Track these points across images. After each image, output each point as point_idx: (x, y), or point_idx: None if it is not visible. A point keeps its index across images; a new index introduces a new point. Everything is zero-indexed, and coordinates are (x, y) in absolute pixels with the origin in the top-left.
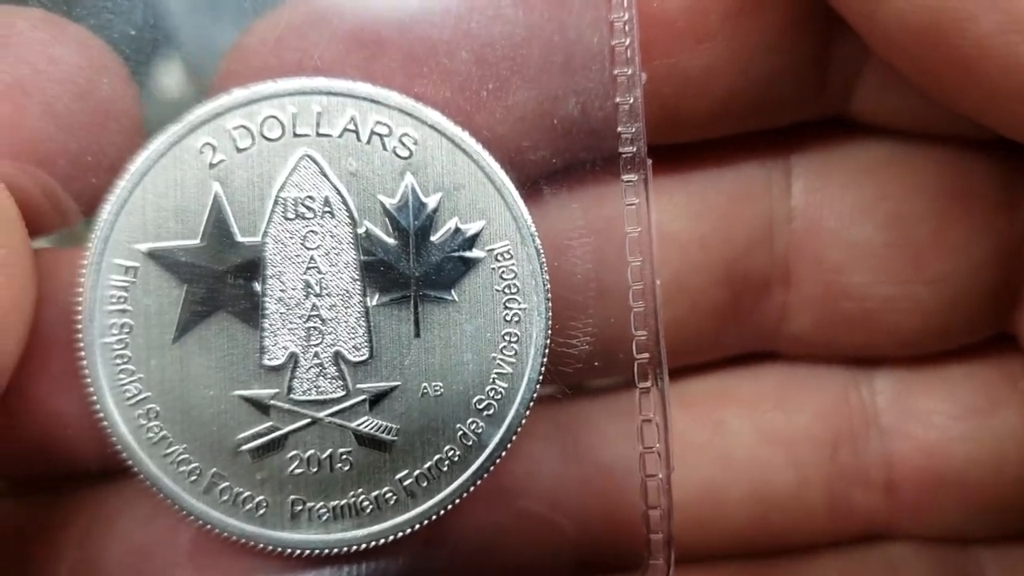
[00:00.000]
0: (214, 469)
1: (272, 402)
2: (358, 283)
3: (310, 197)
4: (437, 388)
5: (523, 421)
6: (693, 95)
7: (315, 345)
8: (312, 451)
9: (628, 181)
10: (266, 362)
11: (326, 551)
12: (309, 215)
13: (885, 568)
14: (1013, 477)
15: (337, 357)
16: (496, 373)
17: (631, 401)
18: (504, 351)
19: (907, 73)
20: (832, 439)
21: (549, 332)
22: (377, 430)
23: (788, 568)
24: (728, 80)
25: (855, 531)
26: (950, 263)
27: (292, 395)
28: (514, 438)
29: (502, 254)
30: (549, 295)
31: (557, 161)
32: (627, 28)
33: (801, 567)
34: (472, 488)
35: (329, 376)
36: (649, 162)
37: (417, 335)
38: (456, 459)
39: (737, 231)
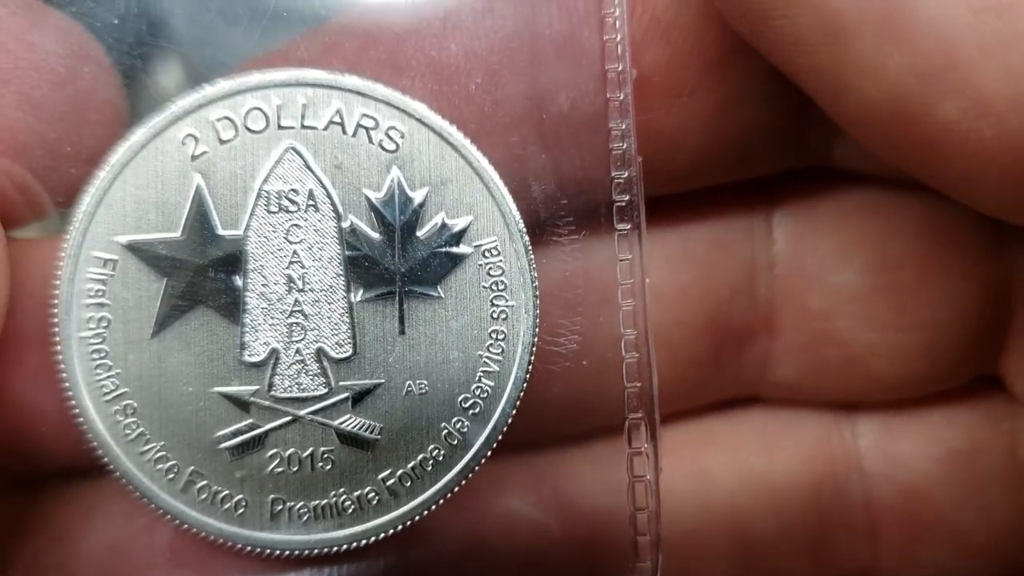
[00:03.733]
0: (192, 467)
1: (252, 399)
2: (342, 278)
3: (294, 190)
4: (422, 386)
5: (509, 420)
6: (670, 150)
7: (297, 341)
8: (293, 449)
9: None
10: (246, 358)
11: (306, 552)
12: (293, 208)
13: None
14: (998, 520)
15: (319, 354)
16: (482, 371)
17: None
18: (491, 349)
19: (877, 152)
20: (815, 484)
21: (537, 330)
22: (360, 428)
23: None
24: (706, 134)
25: None
26: (934, 308)
27: (273, 392)
28: (500, 438)
29: (489, 250)
30: (537, 292)
31: (546, 157)
32: (618, 24)
33: None
34: (457, 488)
35: (311, 373)
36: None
37: (402, 332)
38: (441, 459)
39: (719, 280)
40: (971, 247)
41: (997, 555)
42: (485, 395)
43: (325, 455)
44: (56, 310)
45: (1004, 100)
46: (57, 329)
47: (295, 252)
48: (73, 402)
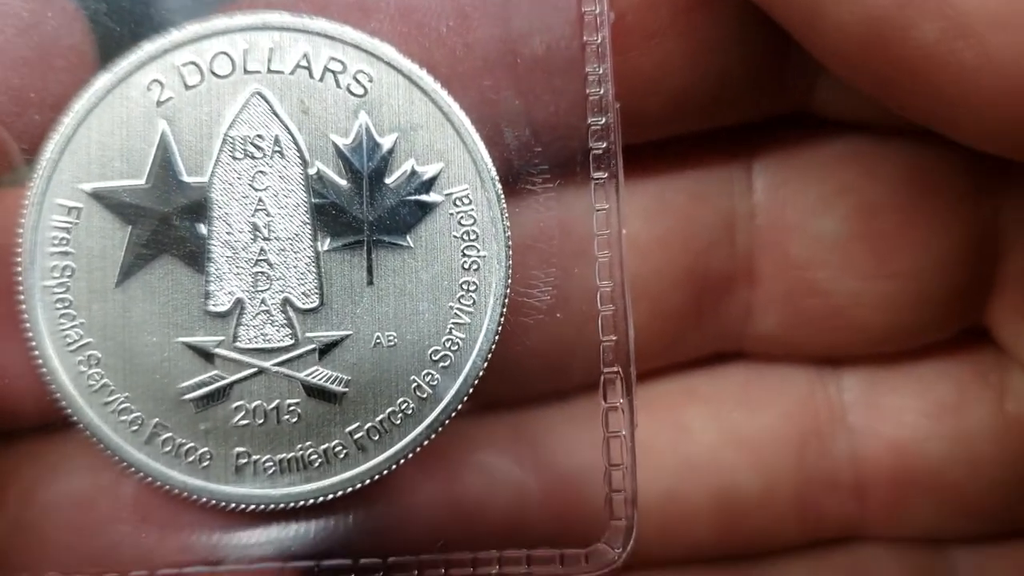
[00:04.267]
0: (156, 419)
1: (217, 350)
2: (308, 227)
3: (259, 136)
4: (391, 338)
5: (481, 374)
6: (645, 93)
7: (262, 291)
8: (258, 402)
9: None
10: (211, 308)
11: (271, 506)
12: (258, 155)
13: (855, 570)
14: (987, 474)
15: (285, 304)
16: (453, 323)
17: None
18: (462, 300)
19: (856, 83)
20: (799, 439)
21: (510, 281)
22: (327, 381)
23: (756, 573)
24: (681, 77)
25: (825, 533)
26: (916, 256)
27: (238, 343)
28: (471, 391)
29: (461, 198)
30: (510, 242)
31: (520, 102)
32: None
33: (769, 571)
34: (426, 443)
35: (277, 324)
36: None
37: (370, 282)
38: (410, 412)
39: (698, 230)
40: (955, 193)
41: (985, 510)
42: (456, 347)
43: (291, 408)
44: (20, 259)
45: (983, 19)
46: (21, 279)
47: (260, 199)
48: (37, 352)
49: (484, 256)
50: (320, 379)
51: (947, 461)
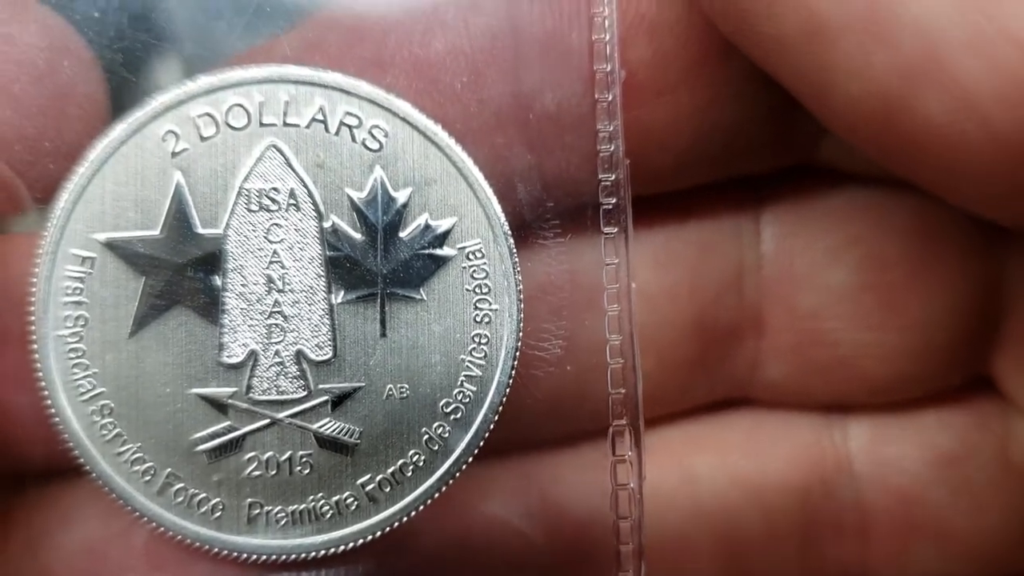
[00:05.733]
0: (169, 469)
1: (230, 401)
2: (323, 279)
3: (275, 189)
4: (403, 390)
5: (491, 426)
6: (655, 149)
7: (276, 343)
8: (271, 453)
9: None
10: (225, 359)
11: (284, 557)
12: (273, 207)
13: None
14: (989, 522)
15: (299, 356)
16: (465, 376)
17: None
18: (473, 353)
19: (862, 149)
20: (804, 486)
21: (520, 334)
22: (339, 432)
23: None
24: (690, 133)
25: None
26: (924, 307)
27: (251, 394)
28: (481, 443)
29: (473, 252)
30: (522, 296)
31: (532, 158)
32: (607, 24)
33: None
34: (437, 494)
35: (290, 375)
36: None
37: (383, 335)
38: (421, 464)
39: (706, 281)
40: (962, 246)
41: (988, 558)
42: (467, 400)
43: (303, 459)
44: (33, 308)
45: (989, 97)
46: (34, 328)
47: (275, 252)
48: (49, 402)
49: (496, 309)
50: (332, 431)
51: (950, 509)
